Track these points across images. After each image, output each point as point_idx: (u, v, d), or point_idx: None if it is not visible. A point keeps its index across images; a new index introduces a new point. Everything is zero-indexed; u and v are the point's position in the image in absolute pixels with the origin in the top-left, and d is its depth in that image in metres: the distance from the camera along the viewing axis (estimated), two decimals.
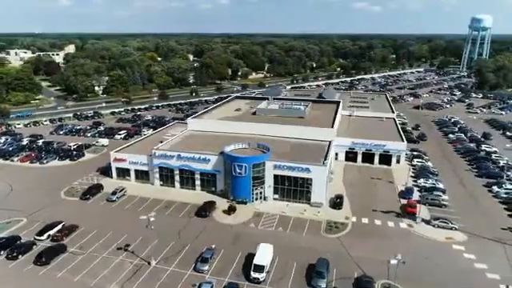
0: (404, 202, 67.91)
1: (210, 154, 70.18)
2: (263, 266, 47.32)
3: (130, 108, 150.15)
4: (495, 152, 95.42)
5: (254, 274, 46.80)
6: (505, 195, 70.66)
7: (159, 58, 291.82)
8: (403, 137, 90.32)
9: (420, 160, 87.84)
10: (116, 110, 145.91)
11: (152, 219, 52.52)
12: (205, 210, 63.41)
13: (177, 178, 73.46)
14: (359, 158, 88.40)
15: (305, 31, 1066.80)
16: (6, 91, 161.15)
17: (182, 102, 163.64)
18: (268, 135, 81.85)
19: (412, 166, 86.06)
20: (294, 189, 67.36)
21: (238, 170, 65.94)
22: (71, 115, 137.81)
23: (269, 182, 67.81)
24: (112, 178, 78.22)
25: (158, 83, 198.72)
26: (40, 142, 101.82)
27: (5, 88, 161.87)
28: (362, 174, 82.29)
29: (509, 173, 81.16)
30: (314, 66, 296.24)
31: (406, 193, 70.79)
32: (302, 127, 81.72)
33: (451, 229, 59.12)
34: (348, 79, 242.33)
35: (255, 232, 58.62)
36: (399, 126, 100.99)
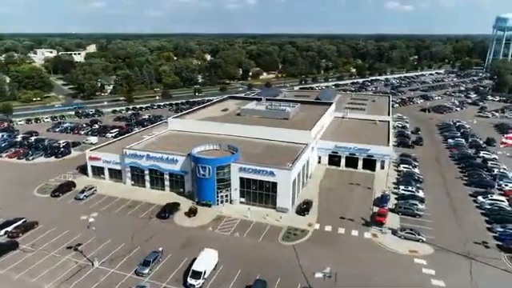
0: (377, 209, 64.56)
1: (178, 154, 69.24)
2: (201, 273, 45.77)
3: (131, 107, 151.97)
4: (494, 159, 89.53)
5: (190, 280, 45.35)
6: (489, 206, 65.79)
7: (175, 58, 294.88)
8: (390, 141, 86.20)
9: (407, 166, 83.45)
10: (117, 109, 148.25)
11: (91, 220, 51.97)
12: (165, 211, 62.50)
13: (147, 178, 73.05)
14: (342, 162, 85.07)
15: (332, 31, 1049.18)
16: (18, 89, 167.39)
17: (184, 101, 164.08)
18: (245, 136, 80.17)
19: (398, 171, 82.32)
20: (260, 193, 65.36)
21: (202, 172, 64.62)
22: (73, 113, 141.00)
23: (235, 184, 66.15)
24: (88, 176, 78.92)
25: (166, 82, 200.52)
26: (32, 138, 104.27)
27: (16, 86, 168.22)
28: (342, 178, 79.07)
29: (501, 182, 75.66)
30: (329, 66, 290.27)
31: (381, 200, 67.19)
32: (278, 129, 79.37)
33: (418, 241, 55.43)
34: (360, 80, 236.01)
35: (210, 236, 57.11)
36: (391, 130, 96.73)
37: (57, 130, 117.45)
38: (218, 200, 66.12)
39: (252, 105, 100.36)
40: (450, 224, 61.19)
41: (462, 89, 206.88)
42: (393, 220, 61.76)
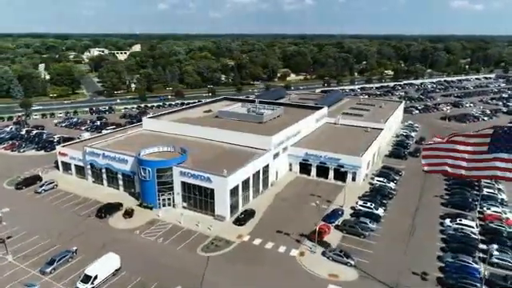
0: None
1: (127, 154, 69.36)
2: (91, 277, 45.06)
3: (142, 105, 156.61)
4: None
5: (78, 284, 44.86)
6: (452, 231, 57.78)
7: (213, 58, 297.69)
8: (367, 152, 79.31)
9: (381, 179, 76.26)
10: (128, 107, 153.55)
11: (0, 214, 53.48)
12: (102, 211, 62.83)
13: (104, 176, 74.22)
14: (313, 170, 79.99)
15: (391, 32, 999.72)
16: (50, 85, 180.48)
17: (196, 101, 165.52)
18: (209, 139, 78.61)
19: (371, 185, 75.70)
20: (200, 199, 63.35)
21: (143, 174, 64.10)
22: (87, 109, 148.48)
23: (177, 188, 64.77)
24: (59, 171, 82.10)
25: (188, 82, 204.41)
26: (33, 132, 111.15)
27: (48, 82, 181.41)
28: (306, 189, 74.23)
29: (485, 204, 66.24)
30: (364, 68, 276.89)
31: (330, 216, 61.96)
32: (240, 133, 76.38)
33: (346, 264, 50.09)
34: (392, 84, 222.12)
35: (133, 239, 56.34)
36: (393, 138, 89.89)
37: (63, 124, 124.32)
38: (159, 203, 65.23)
39: (232, 107, 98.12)
40: (396, 248, 54.55)
41: (505, 96, 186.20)
42: (333, 238, 56.66)
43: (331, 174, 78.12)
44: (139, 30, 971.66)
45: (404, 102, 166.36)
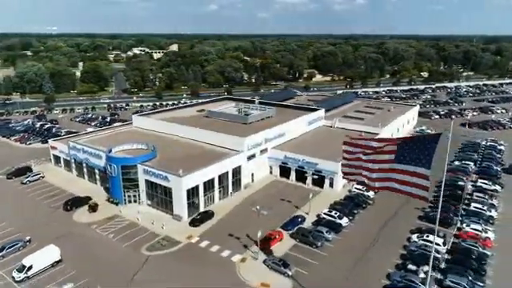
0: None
1: (101, 150, 71.28)
2: (25, 267, 46.79)
3: (158, 103, 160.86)
4: (491, 191, 71.85)
5: (13, 273, 46.87)
6: (414, 248, 53.16)
7: (246, 58, 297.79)
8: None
9: (360, 187, 71.99)
10: (144, 104, 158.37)
11: None
12: (68, 204, 65.08)
13: (85, 170, 76.97)
14: (292, 175, 77.42)
15: (444, 32, 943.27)
16: (80, 81, 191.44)
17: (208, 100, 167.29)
18: (188, 138, 79.12)
19: (350, 192, 71.90)
20: (162, 197, 63.68)
21: (110, 170, 65.65)
22: (105, 106, 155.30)
23: (142, 186, 65.58)
24: (51, 163, 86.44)
25: (210, 81, 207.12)
26: (46, 126, 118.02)
27: (78, 79, 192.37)
28: (279, 193, 71.85)
29: (466, 221, 60.25)
30: (396, 69, 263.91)
31: (289, 223, 59.55)
32: (216, 133, 75.66)
33: (283, 274, 47.81)
34: (422, 87, 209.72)
35: (86, 234, 57.75)
36: None
37: (77, 120, 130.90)
38: (125, 199, 66.42)
39: (223, 107, 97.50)
40: (345, 262, 51.13)
41: None
42: (284, 246, 54.40)
43: (309, 178, 75.18)
44: (189, 31, 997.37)
45: (428, 105, 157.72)
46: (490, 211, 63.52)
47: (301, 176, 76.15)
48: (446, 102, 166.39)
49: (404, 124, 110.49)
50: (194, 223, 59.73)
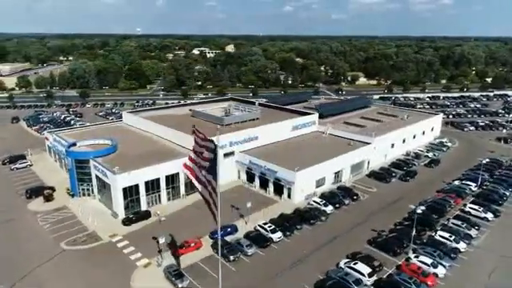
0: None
1: (65, 143, 74.26)
2: None
3: (183, 101, 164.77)
4: (465, 220, 60.77)
5: None
6: (333, 276, 46.60)
7: (298, 59, 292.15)
8: (316, 167, 68.99)
9: (319, 201, 65.49)
10: (169, 102, 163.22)
11: None
12: (28, 192, 68.97)
13: (63, 162, 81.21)
14: (257, 181, 73.40)
15: None
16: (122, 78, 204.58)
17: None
18: (160, 137, 79.59)
19: (309, 204, 66.07)
20: (106, 193, 64.49)
21: (67, 162, 68.36)
22: (134, 102, 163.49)
23: (94, 180, 67.19)
24: (47, 153, 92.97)
25: (244, 82, 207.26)
26: (68, 119, 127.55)
27: (121, 76, 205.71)
28: (235, 199, 67.60)
29: (421, 251, 51.39)
30: (455, 73, 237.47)
31: (216, 232, 56.19)
32: (182, 133, 74.19)
33: (174, 285, 45.16)
34: (477, 94, 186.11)
35: (26, 222, 60.63)
36: (355, 154, 77.05)
37: (100, 114, 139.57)
38: (80, 192, 68.61)
39: (208, 108, 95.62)
40: (249, 281, 46.75)
41: None
42: (199, 255, 51.61)
43: (271, 186, 70.62)
44: (263, 32, 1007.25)
45: (471, 115, 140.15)
46: (458, 243, 53.42)
47: (265, 183, 71.98)
48: (496, 112, 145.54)
49: (416, 134, 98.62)
50: (126, 222, 59.49)
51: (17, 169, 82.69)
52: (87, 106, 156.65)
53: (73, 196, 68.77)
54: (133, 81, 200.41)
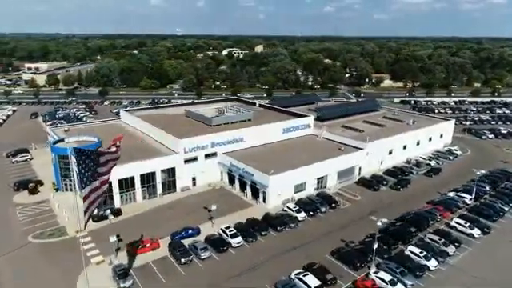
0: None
1: (55, 139, 76.77)
2: None
3: (198, 100, 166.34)
4: (445, 235, 56.00)
5: None
6: (279, 287, 44.51)
7: (327, 60, 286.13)
8: (295, 171, 66.67)
9: (292, 207, 63.06)
10: (184, 101, 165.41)
11: None
12: (16, 185, 72.06)
13: None
14: (237, 183, 72.18)
15: None
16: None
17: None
18: (149, 136, 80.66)
19: (283, 211, 63.94)
20: None
21: (52, 157, 70.72)
22: (150, 100, 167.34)
23: (75, 176, 68.87)
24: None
25: (262, 82, 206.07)
26: (82, 115, 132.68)
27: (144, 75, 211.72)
28: (212, 200, 67.22)
29: (383, 266, 47.99)
30: (489, 77, 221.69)
31: (177, 233, 55.81)
32: (165, 133, 74.67)
33: (118, 284, 45.12)
34: (509, 99, 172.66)
35: (5, 213, 63.09)
36: (343, 160, 73.78)
37: (114, 111, 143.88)
38: (63, 187, 70.73)
39: (200, 109, 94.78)
40: (194, 286, 45.75)
41: None
42: (153, 256, 51.36)
43: (248, 189, 69.15)
44: (308, 33, 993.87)
45: (495, 122, 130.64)
46: (429, 260, 49.29)
47: (244, 186, 70.66)
48: None
49: (420, 141, 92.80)
50: (95, 219, 60.34)
51: (17, 162, 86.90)
52: (105, 103, 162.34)
53: (57, 190, 71.08)
54: (153, 80, 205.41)
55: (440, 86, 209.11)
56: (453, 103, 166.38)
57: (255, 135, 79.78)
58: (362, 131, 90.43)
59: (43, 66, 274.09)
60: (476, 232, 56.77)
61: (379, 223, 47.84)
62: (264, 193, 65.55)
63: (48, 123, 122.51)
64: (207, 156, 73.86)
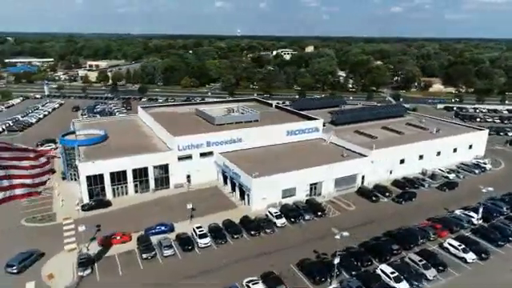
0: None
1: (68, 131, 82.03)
2: None
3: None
4: (430, 259, 50.27)
5: None
6: None
7: (378, 62, 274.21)
8: (280, 175, 64.47)
9: (274, 212, 60.92)
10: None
11: None
12: None
13: None
14: (229, 183, 71.70)
15: None
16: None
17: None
18: (155, 133, 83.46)
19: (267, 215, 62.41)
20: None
21: (60, 148, 75.84)
22: (185, 98, 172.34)
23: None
24: None
25: (299, 83, 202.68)
26: (115, 110, 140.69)
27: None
28: (202, 199, 67.75)
29: (346, 282, 44.58)
30: None
31: (153, 228, 56.76)
32: (165, 131, 76.20)
33: (78, 272, 47.09)
34: None
35: None
36: (342, 167, 70.01)
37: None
38: (69, 176, 75.48)
39: (208, 108, 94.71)
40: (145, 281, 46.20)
41: None
42: (122, 249, 52.83)
43: (237, 191, 68.32)
44: (365, 34, 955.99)
45: None
46: (399, 282, 44.81)
47: (234, 187, 69.99)
48: None
49: (442, 151, 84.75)
50: (84, 208, 63.67)
51: None
52: (143, 99, 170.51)
53: (63, 179, 76.10)
54: (193, 79, 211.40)
55: (499, 92, 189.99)
56: (506, 111, 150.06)
57: (256, 136, 78.57)
58: (376, 137, 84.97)
59: (102, 63, 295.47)
60: (470, 256, 50.43)
61: (338, 236, 44.42)
62: (248, 195, 64.33)
63: (84, 116, 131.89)
64: (202, 155, 74.26)
